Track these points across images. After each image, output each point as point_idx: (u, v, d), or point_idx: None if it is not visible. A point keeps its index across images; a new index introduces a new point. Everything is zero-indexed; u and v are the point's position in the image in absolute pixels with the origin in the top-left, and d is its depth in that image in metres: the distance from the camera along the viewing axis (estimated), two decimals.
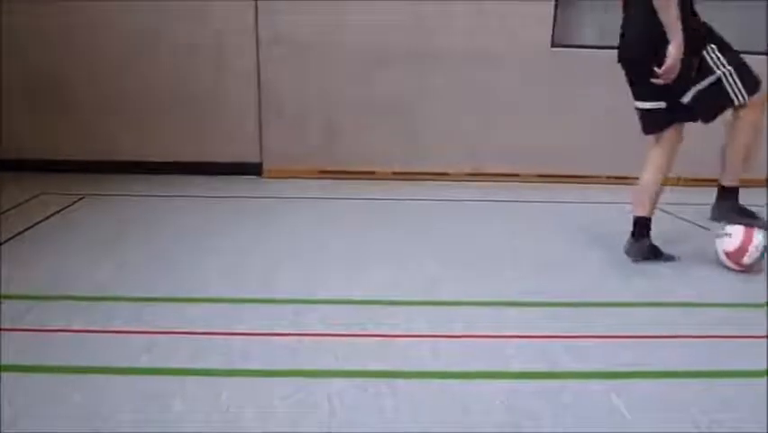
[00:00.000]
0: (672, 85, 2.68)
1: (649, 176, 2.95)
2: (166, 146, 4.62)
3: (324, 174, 4.67)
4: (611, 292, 2.60)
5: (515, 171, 4.80)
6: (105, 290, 2.45)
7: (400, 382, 1.82)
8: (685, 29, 2.58)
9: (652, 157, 2.97)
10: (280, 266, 2.78)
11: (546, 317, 2.33)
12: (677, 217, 3.89)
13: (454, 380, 1.85)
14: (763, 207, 3.11)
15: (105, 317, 2.20)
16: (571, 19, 4.67)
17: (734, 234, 2.82)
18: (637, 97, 2.93)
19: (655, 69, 2.60)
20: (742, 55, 2.85)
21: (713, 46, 2.74)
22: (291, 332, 2.11)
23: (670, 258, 2.96)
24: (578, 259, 3.01)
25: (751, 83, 2.79)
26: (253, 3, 4.41)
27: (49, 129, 4.55)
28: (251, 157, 4.69)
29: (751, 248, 2.76)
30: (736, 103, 2.78)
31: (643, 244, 2.92)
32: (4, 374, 1.78)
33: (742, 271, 2.81)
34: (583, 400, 1.75)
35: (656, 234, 2.97)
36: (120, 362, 1.89)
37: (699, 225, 3.67)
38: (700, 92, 2.74)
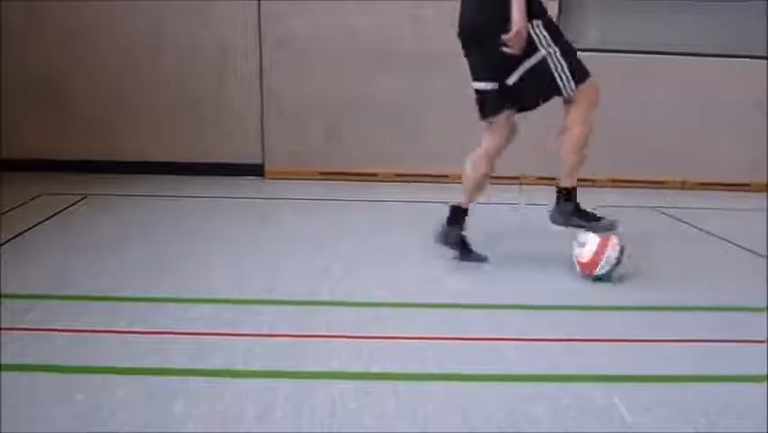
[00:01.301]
0: (500, 64, 2.62)
1: (469, 164, 2.90)
2: (168, 146, 4.62)
3: (326, 175, 4.67)
4: (613, 295, 2.60)
5: (517, 174, 4.79)
6: (108, 291, 2.45)
7: (402, 384, 1.82)
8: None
9: (482, 144, 2.90)
10: (283, 267, 2.78)
11: (548, 320, 2.33)
12: (681, 221, 3.88)
13: (456, 382, 1.84)
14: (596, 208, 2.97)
15: (108, 317, 2.20)
16: (574, 22, 4.66)
17: (587, 244, 2.72)
18: (474, 77, 2.83)
19: (503, 36, 2.52)
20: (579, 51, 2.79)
21: (538, 22, 2.62)
22: (294, 333, 2.11)
23: (479, 258, 2.88)
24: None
25: (579, 72, 2.69)
26: (256, 4, 4.41)
27: (51, 129, 4.55)
28: (253, 158, 4.69)
29: (601, 262, 2.68)
30: (564, 92, 2.69)
31: (453, 231, 2.86)
32: (7, 374, 1.78)
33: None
34: (583, 403, 1.75)
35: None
36: (123, 362, 1.88)
37: (703, 230, 3.66)
38: (526, 73, 2.64)
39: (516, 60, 2.62)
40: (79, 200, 3.80)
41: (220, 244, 3.07)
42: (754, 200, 4.54)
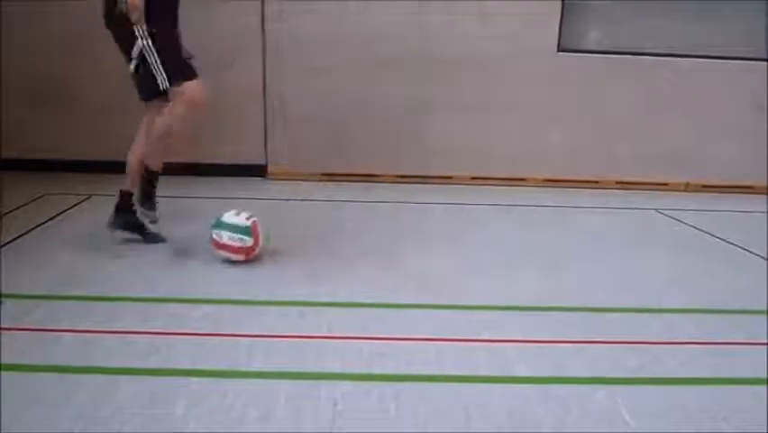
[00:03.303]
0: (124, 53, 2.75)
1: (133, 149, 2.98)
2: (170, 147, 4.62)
3: (329, 177, 4.67)
4: (615, 297, 2.59)
5: (520, 176, 4.80)
6: (109, 291, 2.45)
7: (404, 385, 1.82)
8: None
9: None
10: (284, 268, 2.78)
11: (551, 322, 2.33)
12: (683, 223, 3.88)
13: (458, 384, 1.84)
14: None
15: (110, 317, 2.20)
16: (576, 24, 4.66)
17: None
18: None
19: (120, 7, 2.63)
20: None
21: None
22: (296, 334, 2.11)
23: (155, 238, 2.98)
24: (584, 263, 3.00)
25: (176, 71, 2.75)
26: (260, 5, 4.42)
27: (54, 129, 4.56)
28: (255, 159, 4.69)
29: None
30: (161, 87, 2.76)
31: (126, 216, 2.94)
32: (8, 373, 1.78)
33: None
34: (586, 405, 1.75)
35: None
36: (125, 362, 1.89)
37: (703, 231, 3.65)
38: (138, 63, 2.73)
39: (128, 46, 2.73)
40: (83, 200, 3.80)
41: None
42: (755, 202, 4.54)
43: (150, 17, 2.67)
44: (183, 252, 2.95)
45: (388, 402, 1.72)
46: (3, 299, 2.28)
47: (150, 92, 2.87)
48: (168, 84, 2.76)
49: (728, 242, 3.45)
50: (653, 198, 4.55)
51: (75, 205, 3.70)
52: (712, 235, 3.57)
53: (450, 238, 3.37)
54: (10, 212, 3.48)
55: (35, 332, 2.08)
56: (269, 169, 4.71)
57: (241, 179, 4.59)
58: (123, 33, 2.73)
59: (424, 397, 1.76)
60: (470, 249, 3.18)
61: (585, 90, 4.64)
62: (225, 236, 2.75)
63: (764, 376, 1.94)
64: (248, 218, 2.78)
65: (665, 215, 4.06)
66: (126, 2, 2.62)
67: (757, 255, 3.22)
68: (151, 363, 1.89)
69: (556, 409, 1.71)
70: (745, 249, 3.31)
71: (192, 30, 4.46)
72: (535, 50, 4.55)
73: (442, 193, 4.43)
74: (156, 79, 2.75)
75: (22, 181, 4.16)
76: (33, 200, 3.74)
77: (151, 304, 2.34)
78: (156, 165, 2.99)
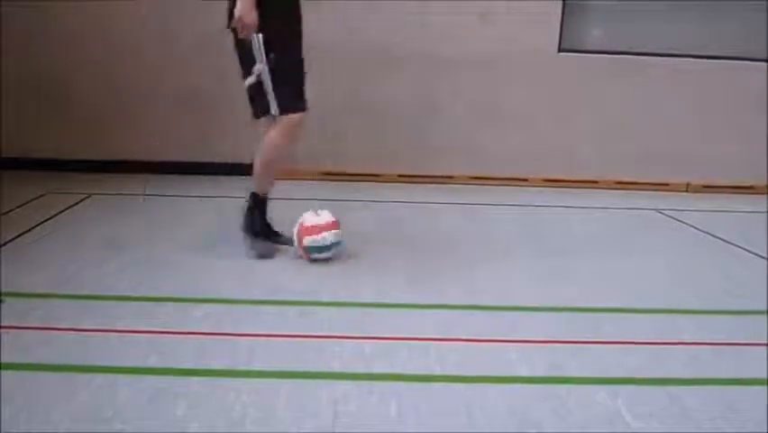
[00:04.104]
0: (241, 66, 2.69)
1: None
2: (171, 146, 4.63)
3: (328, 176, 4.67)
4: (616, 298, 2.59)
5: (521, 176, 4.80)
6: (111, 290, 2.45)
7: (405, 385, 1.82)
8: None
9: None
10: (285, 267, 2.78)
11: (551, 322, 2.33)
12: (684, 223, 3.88)
13: (459, 384, 1.84)
14: None
15: (111, 316, 2.20)
16: (577, 24, 4.66)
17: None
18: None
19: (232, 24, 2.56)
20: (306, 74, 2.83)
21: (260, 36, 2.59)
22: (296, 334, 2.11)
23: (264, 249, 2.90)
24: (584, 263, 3.00)
25: (287, 101, 2.71)
26: None
27: (54, 128, 4.56)
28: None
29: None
30: (272, 111, 2.71)
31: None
32: (8, 373, 1.78)
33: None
34: (587, 405, 1.75)
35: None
36: (126, 361, 1.89)
37: (704, 231, 3.66)
38: (253, 82, 2.67)
39: (247, 63, 2.67)
40: (83, 199, 3.80)
41: (223, 244, 3.07)
42: (756, 202, 4.54)
43: (266, 28, 2.59)
44: (183, 251, 2.95)
45: (389, 402, 1.72)
46: (3, 298, 2.28)
47: (262, 112, 2.81)
48: (278, 112, 2.72)
49: (729, 242, 3.45)
50: (654, 197, 4.55)
51: (75, 204, 3.70)
52: (713, 235, 3.57)
53: (450, 238, 3.37)
54: (10, 211, 3.48)
55: (35, 331, 2.08)
56: None
57: (241, 178, 4.57)
58: (241, 47, 2.67)
59: (425, 397, 1.76)
60: (468, 248, 3.18)
61: (586, 90, 4.64)
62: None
63: (764, 376, 1.95)
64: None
65: (666, 215, 4.07)
66: (238, 20, 2.53)
67: (757, 255, 3.22)
68: (152, 362, 1.89)
69: (557, 409, 1.71)
70: (745, 249, 3.31)
71: (192, 30, 4.51)
72: (536, 51, 4.55)
73: (441, 193, 4.43)
74: (267, 102, 2.71)
75: (23, 180, 4.16)
76: (34, 199, 3.74)
77: (152, 303, 2.34)
78: (260, 189, 2.94)
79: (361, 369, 1.90)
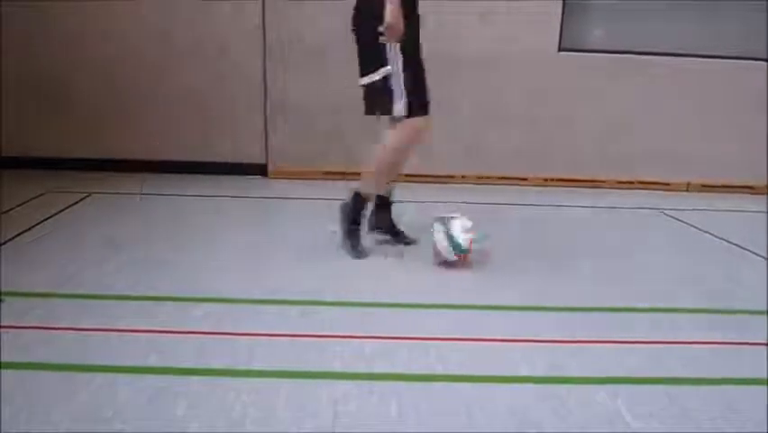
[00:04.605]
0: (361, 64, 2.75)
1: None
2: (171, 145, 4.63)
3: (329, 175, 4.67)
4: (616, 297, 2.59)
5: (521, 175, 4.80)
6: (111, 289, 2.45)
7: (405, 385, 1.82)
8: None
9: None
10: (285, 266, 2.78)
11: (552, 321, 2.33)
12: (684, 223, 3.88)
13: (459, 383, 1.84)
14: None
15: (111, 315, 2.20)
16: (577, 23, 4.66)
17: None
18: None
19: (380, 28, 2.59)
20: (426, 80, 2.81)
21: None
22: (297, 333, 2.11)
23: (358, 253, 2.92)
24: (584, 263, 3.00)
25: (414, 105, 2.72)
26: (260, 4, 4.42)
27: (54, 127, 4.56)
28: (256, 157, 4.69)
29: (442, 251, 2.80)
30: (395, 112, 2.73)
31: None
32: (8, 372, 1.78)
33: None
34: (587, 405, 1.75)
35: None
36: (125, 361, 1.89)
37: (704, 231, 3.66)
38: (374, 81, 2.72)
39: (370, 63, 2.72)
40: (83, 198, 3.80)
41: (222, 243, 3.08)
42: (756, 202, 4.54)
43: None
44: (183, 250, 2.95)
45: (389, 402, 1.72)
46: (2, 298, 2.28)
47: (381, 112, 2.82)
48: (404, 114, 2.72)
49: (729, 242, 3.45)
50: (654, 197, 4.55)
51: (75, 203, 3.70)
52: (713, 235, 3.57)
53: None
54: (10, 210, 3.47)
55: (35, 330, 2.08)
56: (270, 167, 4.71)
57: (240, 177, 4.58)
58: (370, 46, 2.71)
59: (425, 397, 1.76)
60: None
61: (586, 90, 4.64)
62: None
63: (764, 376, 1.95)
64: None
65: (666, 214, 4.07)
66: (389, 25, 2.56)
67: (757, 255, 3.22)
68: (152, 361, 1.89)
69: (557, 409, 1.71)
70: (745, 249, 3.31)
71: (192, 29, 4.51)
72: (536, 50, 4.54)
73: (441, 192, 4.43)
74: (391, 103, 2.71)
75: (23, 179, 4.16)
76: (33, 198, 3.73)
77: (152, 302, 2.34)
78: (366, 191, 2.95)
79: (361, 369, 1.90)
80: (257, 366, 1.89)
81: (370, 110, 2.86)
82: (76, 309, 2.25)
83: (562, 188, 4.72)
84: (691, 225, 3.80)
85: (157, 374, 1.82)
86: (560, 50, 4.58)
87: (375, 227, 3.06)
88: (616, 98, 4.67)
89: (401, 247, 3.05)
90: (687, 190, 4.88)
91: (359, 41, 2.80)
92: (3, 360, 1.85)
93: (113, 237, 3.10)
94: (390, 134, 2.83)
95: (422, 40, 2.81)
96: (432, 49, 4.54)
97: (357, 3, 2.81)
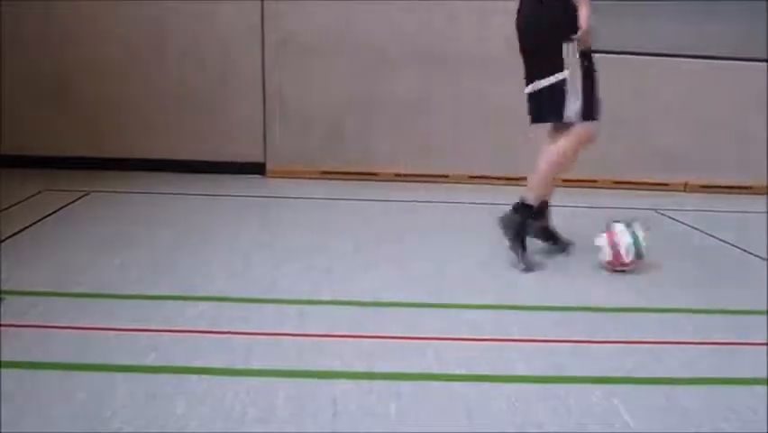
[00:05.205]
0: (527, 71, 2.72)
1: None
2: (170, 144, 4.62)
3: (327, 175, 4.67)
4: (616, 297, 2.59)
5: (518, 175, 4.79)
6: (109, 288, 2.44)
7: (405, 384, 1.81)
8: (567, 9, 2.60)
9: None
10: (284, 266, 2.78)
11: (552, 321, 2.33)
12: (682, 223, 3.88)
13: (459, 383, 1.84)
14: None
15: (109, 314, 2.20)
16: None
17: (602, 245, 2.83)
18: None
19: (573, 36, 2.61)
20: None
21: (573, 45, 2.65)
22: (295, 332, 2.11)
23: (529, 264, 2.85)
24: (583, 262, 3.00)
25: (589, 110, 2.72)
26: (259, 4, 4.41)
27: (53, 126, 4.55)
28: (254, 156, 4.69)
29: (623, 250, 2.79)
30: (566, 117, 2.70)
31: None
32: (7, 371, 1.78)
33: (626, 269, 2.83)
34: (587, 405, 1.75)
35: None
36: (124, 360, 1.88)
37: (703, 231, 3.66)
38: (547, 86, 2.69)
39: (541, 70, 2.69)
40: (81, 197, 3.79)
41: (221, 243, 3.07)
42: (755, 202, 4.54)
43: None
44: (183, 250, 2.95)
45: (388, 401, 1.72)
46: (2, 296, 2.27)
47: (549, 118, 2.81)
48: (580, 119, 2.70)
49: (728, 242, 3.45)
50: (652, 197, 4.56)
51: (73, 201, 3.69)
52: (711, 236, 3.58)
53: (450, 237, 3.37)
54: (8, 208, 3.46)
55: (34, 329, 2.07)
56: (268, 167, 4.70)
57: (239, 176, 4.58)
58: (546, 51, 2.68)
59: (424, 396, 1.76)
60: (468, 247, 3.18)
61: None
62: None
63: (764, 376, 1.95)
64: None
65: (664, 215, 4.07)
66: (585, 32, 2.59)
67: (757, 256, 3.22)
68: (151, 360, 1.89)
69: (556, 409, 1.71)
70: (744, 249, 3.32)
71: (192, 29, 4.50)
72: None
73: (439, 192, 4.43)
74: (565, 108, 2.69)
75: (21, 178, 4.15)
76: (31, 197, 3.72)
77: (150, 301, 2.33)
78: (534, 198, 2.90)
79: (360, 368, 1.89)
80: (256, 365, 1.89)
81: (540, 117, 2.82)
82: (75, 308, 2.24)
83: (560, 187, 4.70)
84: (689, 226, 3.80)
85: (156, 373, 1.82)
86: None
87: (517, 241, 2.90)
88: (614, 98, 4.65)
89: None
90: (685, 190, 4.88)
91: (531, 46, 2.75)
92: (1, 359, 1.84)
93: (111, 236, 3.09)
94: (562, 140, 2.77)
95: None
96: (430, 47, 4.58)
97: (524, 8, 2.76)
